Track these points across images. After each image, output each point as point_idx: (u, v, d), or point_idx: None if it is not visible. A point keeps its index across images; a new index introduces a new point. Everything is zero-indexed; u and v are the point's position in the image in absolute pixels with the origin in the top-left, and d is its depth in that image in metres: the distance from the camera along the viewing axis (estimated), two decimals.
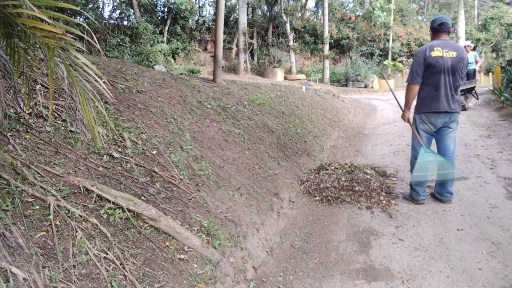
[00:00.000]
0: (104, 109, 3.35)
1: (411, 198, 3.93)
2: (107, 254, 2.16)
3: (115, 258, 2.16)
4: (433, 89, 3.60)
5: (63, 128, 2.99)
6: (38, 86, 3.15)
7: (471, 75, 9.05)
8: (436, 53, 3.54)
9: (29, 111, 2.88)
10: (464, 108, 8.16)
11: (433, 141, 3.89)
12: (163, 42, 11.97)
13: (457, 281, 2.62)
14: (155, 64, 9.48)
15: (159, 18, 13.23)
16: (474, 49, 20.28)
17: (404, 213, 3.74)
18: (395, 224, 3.54)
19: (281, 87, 8.67)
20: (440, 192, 3.86)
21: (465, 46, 8.86)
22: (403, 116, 3.90)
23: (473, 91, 8.87)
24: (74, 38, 1.81)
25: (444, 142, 3.79)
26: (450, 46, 3.60)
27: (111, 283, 2.01)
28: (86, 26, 1.84)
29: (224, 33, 13.80)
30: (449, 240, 3.16)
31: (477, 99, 9.14)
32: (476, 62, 9.27)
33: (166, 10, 13.09)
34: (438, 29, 3.68)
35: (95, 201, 2.45)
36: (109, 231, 2.30)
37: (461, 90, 7.97)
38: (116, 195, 2.54)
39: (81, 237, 2.14)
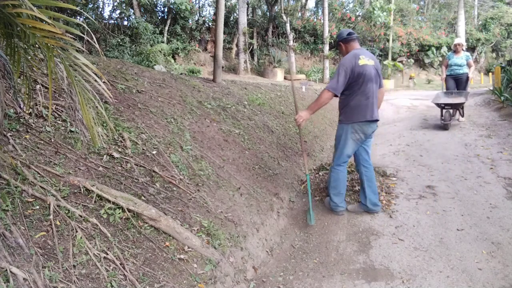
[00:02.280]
0: (104, 109, 3.36)
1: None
2: (107, 254, 2.16)
3: (115, 258, 2.16)
4: (364, 98, 3.53)
5: (63, 128, 2.99)
6: (38, 86, 3.15)
7: (461, 83, 7.34)
8: (362, 61, 3.49)
9: (29, 111, 2.88)
10: (445, 127, 6.83)
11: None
12: (163, 42, 11.96)
13: (457, 281, 2.62)
14: (155, 64, 9.48)
15: (159, 18, 13.22)
16: (473, 49, 20.30)
17: (404, 213, 3.74)
18: (395, 224, 3.54)
19: (281, 87, 8.67)
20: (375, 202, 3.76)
21: (455, 45, 7.38)
22: (300, 118, 3.58)
23: (461, 107, 7.26)
24: (74, 38, 1.81)
25: (364, 152, 3.80)
26: (367, 54, 3.62)
27: (111, 283, 2.01)
28: (86, 26, 1.84)
29: (224, 33, 13.79)
30: (449, 240, 3.16)
31: (462, 116, 7.50)
32: (469, 65, 7.31)
33: (166, 10, 13.08)
34: (348, 38, 3.65)
35: (95, 201, 2.45)
36: (109, 231, 2.30)
37: (447, 105, 6.71)
38: (116, 195, 2.54)
39: (81, 237, 2.14)
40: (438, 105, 6.89)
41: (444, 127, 6.87)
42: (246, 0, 14.68)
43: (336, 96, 3.50)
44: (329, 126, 7.66)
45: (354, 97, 3.55)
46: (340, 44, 3.72)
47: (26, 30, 1.64)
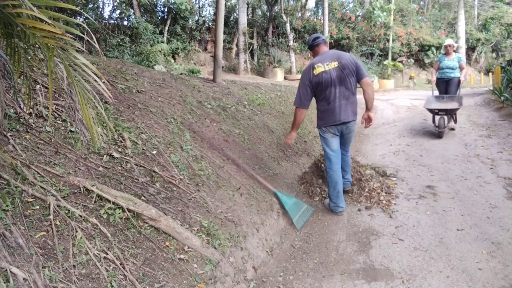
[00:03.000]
0: (104, 109, 3.36)
1: (330, 208, 3.92)
2: (107, 254, 2.16)
3: (115, 258, 2.16)
4: (326, 103, 3.67)
5: (63, 128, 2.99)
6: (38, 86, 3.15)
7: (453, 86, 6.75)
8: (318, 70, 3.58)
9: (29, 111, 2.88)
10: (440, 135, 6.30)
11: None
12: (163, 42, 11.96)
13: (457, 281, 2.62)
14: (155, 64, 9.48)
15: (159, 18, 13.22)
16: (474, 49, 20.24)
17: (404, 213, 3.74)
18: (395, 224, 3.54)
19: (281, 87, 8.67)
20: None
21: (446, 46, 6.79)
22: (290, 139, 3.95)
23: (454, 113, 6.59)
24: (74, 38, 1.81)
25: (342, 145, 3.95)
26: (329, 57, 3.63)
27: (111, 283, 2.01)
28: (86, 27, 1.84)
29: (224, 33, 13.79)
30: (449, 240, 3.16)
31: (455, 123, 6.87)
32: (461, 68, 6.70)
33: (166, 10, 13.08)
34: (313, 44, 3.77)
35: (95, 201, 2.45)
36: (109, 231, 2.30)
37: (441, 110, 6.13)
38: (116, 195, 2.54)
39: (81, 237, 2.14)
40: (431, 110, 6.36)
41: (438, 135, 6.32)
42: (246, 0, 14.67)
43: (305, 108, 3.75)
44: None
45: (319, 104, 3.77)
46: (310, 51, 3.91)
47: (26, 30, 1.64)
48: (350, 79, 3.61)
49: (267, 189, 3.90)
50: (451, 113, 6.43)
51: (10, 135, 2.58)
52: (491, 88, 10.14)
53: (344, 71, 3.57)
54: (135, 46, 10.93)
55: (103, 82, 2.11)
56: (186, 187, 3.13)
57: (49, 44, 1.67)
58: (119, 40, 10.69)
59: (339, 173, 3.82)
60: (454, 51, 6.86)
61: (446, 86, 6.91)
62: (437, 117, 6.43)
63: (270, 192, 3.90)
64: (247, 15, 15.00)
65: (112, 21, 11.69)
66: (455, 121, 6.89)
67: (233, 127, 4.85)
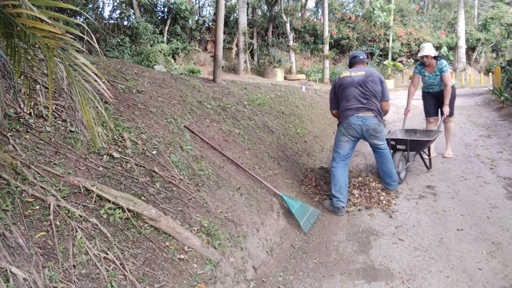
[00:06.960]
0: (104, 109, 3.36)
1: (331, 206, 3.95)
2: (107, 254, 2.16)
3: (115, 258, 2.16)
4: (345, 101, 3.99)
5: (63, 128, 2.99)
6: (38, 86, 3.15)
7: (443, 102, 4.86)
8: (344, 74, 4.08)
9: (29, 111, 2.88)
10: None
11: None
12: (163, 42, 11.96)
13: (457, 281, 2.62)
14: (155, 64, 9.48)
15: (159, 18, 13.23)
16: (474, 49, 20.21)
17: (404, 213, 3.75)
18: (395, 224, 3.54)
19: (281, 87, 8.66)
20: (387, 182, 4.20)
21: (422, 57, 4.98)
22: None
23: (424, 151, 4.67)
24: (73, 38, 1.81)
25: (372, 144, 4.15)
26: (360, 69, 4.04)
27: (111, 283, 2.01)
28: (86, 27, 1.84)
29: (224, 33, 13.80)
30: (449, 240, 3.16)
31: (429, 168, 4.75)
32: (444, 82, 4.85)
33: (166, 10, 13.09)
34: (350, 62, 4.27)
35: (95, 201, 2.45)
36: (109, 231, 2.30)
37: (400, 143, 4.45)
38: (116, 195, 2.54)
39: (81, 237, 2.14)
40: (387, 142, 4.21)
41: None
42: (246, 0, 14.68)
43: (335, 110, 4.19)
44: (329, 126, 7.65)
45: (340, 104, 4.08)
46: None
47: (26, 30, 1.64)
48: (373, 86, 3.89)
49: (270, 190, 3.90)
50: (417, 149, 4.50)
51: (10, 135, 2.58)
52: (491, 88, 10.15)
53: (368, 78, 3.91)
54: (135, 46, 10.93)
55: (103, 82, 2.11)
56: (186, 187, 3.13)
57: (49, 44, 1.67)
58: (119, 40, 10.69)
59: (339, 170, 3.96)
60: (436, 57, 5.00)
61: (436, 99, 5.29)
62: (395, 154, 4.48)
63: (271, 193, 3.90)
64: (247, 15, 15.01)
65: (112, 21, 11.70)
66: (429, 167, 4.81)
67: (233, 127, 4.85)
